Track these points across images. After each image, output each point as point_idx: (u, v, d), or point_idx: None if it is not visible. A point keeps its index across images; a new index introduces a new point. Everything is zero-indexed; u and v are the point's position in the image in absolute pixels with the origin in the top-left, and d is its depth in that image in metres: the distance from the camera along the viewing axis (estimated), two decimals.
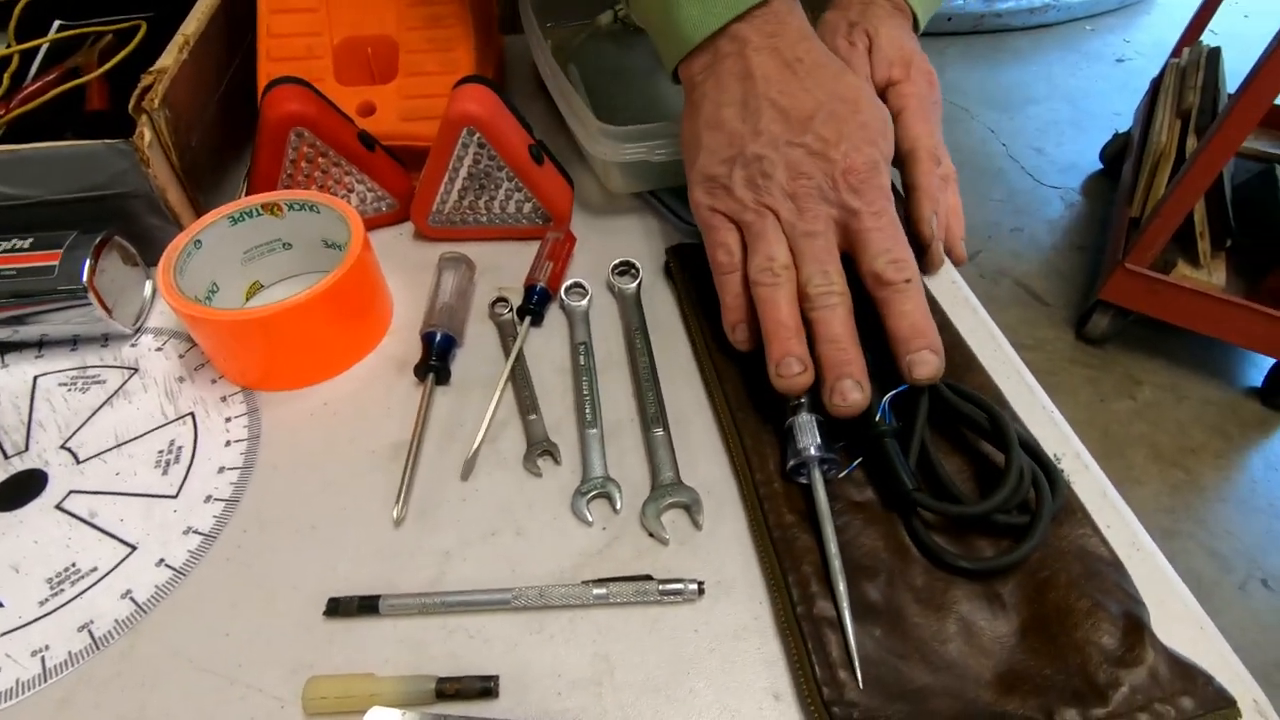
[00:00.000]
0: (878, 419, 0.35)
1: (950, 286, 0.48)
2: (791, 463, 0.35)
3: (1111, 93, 2.48)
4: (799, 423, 0.35)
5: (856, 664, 0.29)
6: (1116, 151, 2.04)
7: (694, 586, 0.33)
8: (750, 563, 0.34)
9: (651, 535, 0.35)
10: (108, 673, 0.31)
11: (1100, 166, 2.13)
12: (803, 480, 0.35)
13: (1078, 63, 2.66)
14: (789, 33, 0.40)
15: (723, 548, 0.35)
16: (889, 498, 0.35)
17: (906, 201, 0.47)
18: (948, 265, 0.49)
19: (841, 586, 0.31)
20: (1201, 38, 1.92)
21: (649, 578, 0.33)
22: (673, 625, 0.32)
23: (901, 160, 0.48)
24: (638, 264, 0.48)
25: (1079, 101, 2.45)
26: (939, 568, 0.32)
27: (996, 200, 2.06)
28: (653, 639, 0.32)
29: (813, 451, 0.34)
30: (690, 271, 0.46)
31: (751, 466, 0.36)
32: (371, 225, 0.51)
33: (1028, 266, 1.86)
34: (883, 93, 0.50)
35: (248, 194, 0.48)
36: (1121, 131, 2.05)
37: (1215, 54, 1.77)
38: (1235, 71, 1.72)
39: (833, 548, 0.32)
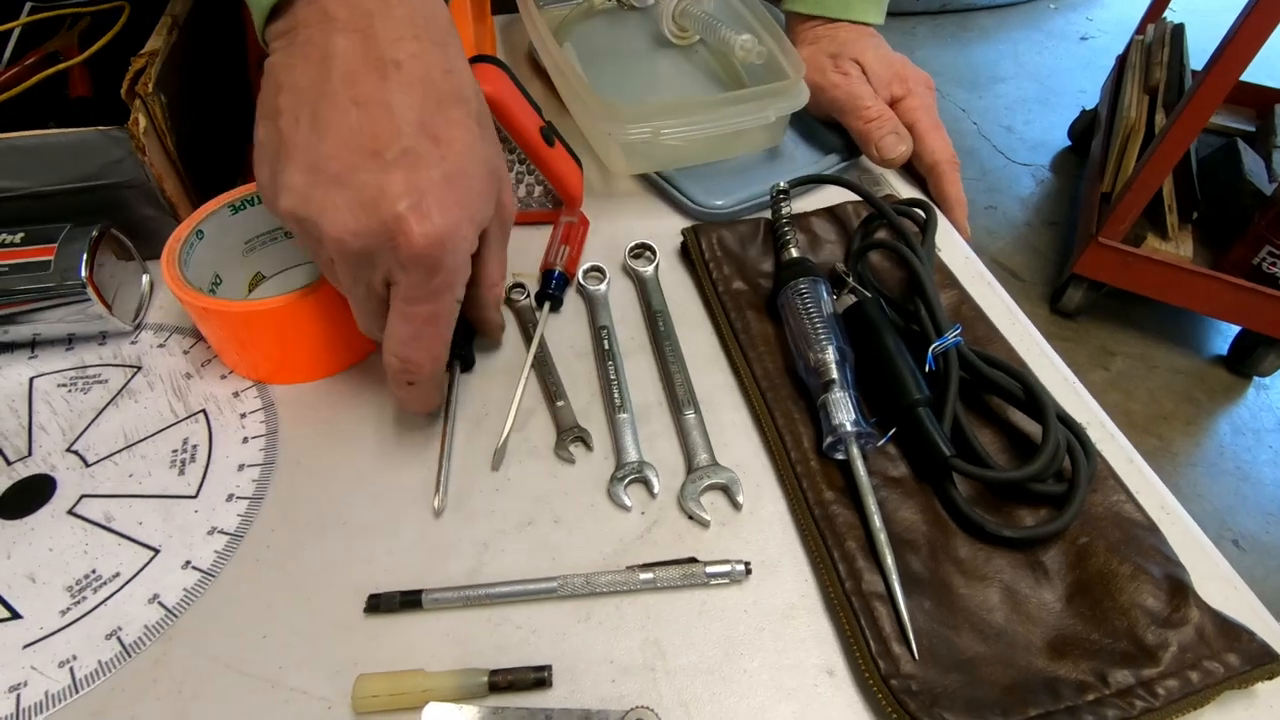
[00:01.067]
0: (914, 384, 0.35)
1: (965, 262, 0.48)
2: (829, 440, 0.35)
3: (1077, 70, 2.52)
4: (833, 399, 0.35)
5: (911, 636, 0.29)
6: (1084, 128, 2.08)
7: (741, 567, 0.33)
8: (792, 541, 0.34)
9: (691, 518, 0.35)
10: (143, 681, 0.30)
11: (1069, 143, 2.17)
12: (839, 456, 0.35)
13: (1043, 41, 2.70)
14: (394, 19, 0.29)
15: (764, 527, 0.35)
16: (925, 467, 0.35)
17: (942, 212, 0.51)
18: (960, 242, 0.50)
19: (889, 560, 0.31)
20: (1165, 14, 1.96)
21: (695, 560, 0.33)
22: (721, 607, 0.32)
23: (926, 173, 0.53)
24: (654, 245, 0.47)
25: (1045, 79, 2.49)
26: (979, 539, 0.33)
27: (970, 178, 2.09)
28: (702, 621, 0.32)
29: (849, 427, 0.34)
30: (711, 252, 0.45)
31: (786, 445, 0.36)
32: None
33: (1002, 243, 1.89)
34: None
35: (247, 181, 0.46)
36: (1088, 108, 2.09)
37: (1180, 30, 1.81)
38: (1197, 47, 1.76)
39: (877, 521, 0.32)
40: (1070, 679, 0.28)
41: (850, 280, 0.41)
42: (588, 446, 0.38)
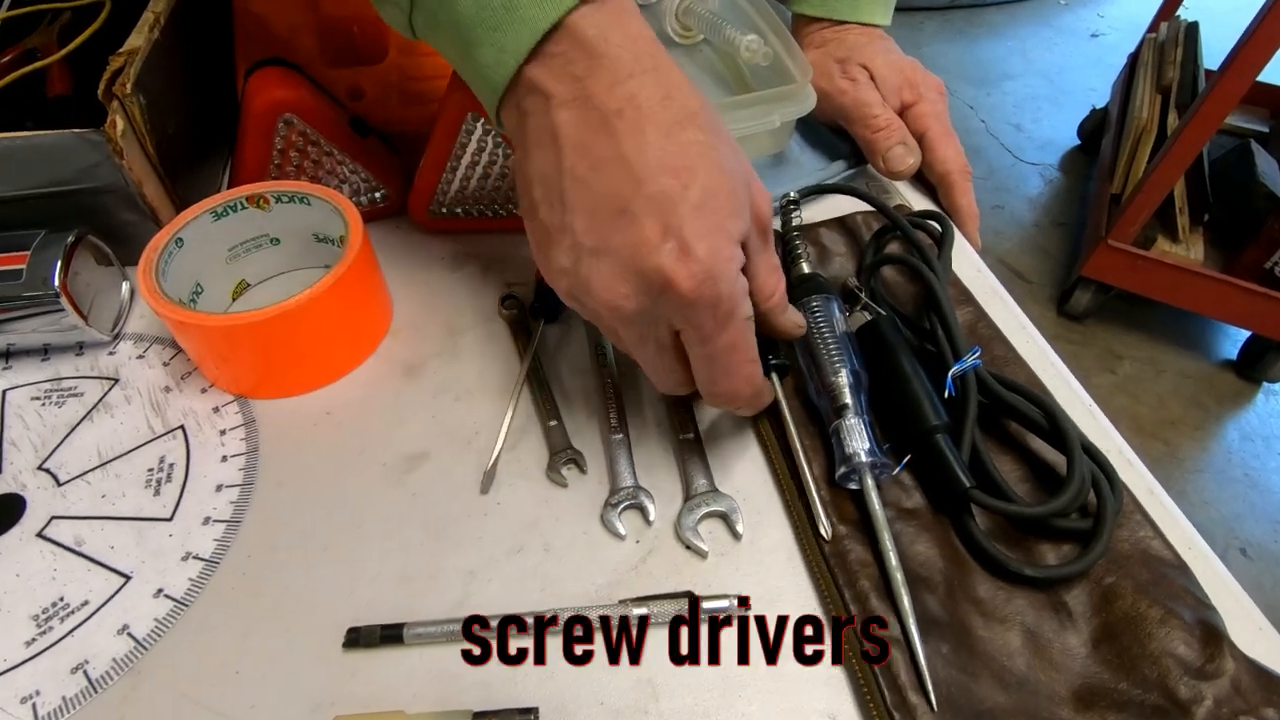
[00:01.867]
0: (932, 409, 0.33)
1: (977, 275, 0.46)
2: (841, 470, 0.33)
3: (1087, 68, 2.49)
4: (846, 426, 0.34)
5: (930, 686, 0.27)
6: (1094, 127, 2.05)
7: (736, 603, 0.31)
8: (797, 574, 0.33)
9: (689, 548, 0.33)
10: (109, 719, 0.29)
11: (1078, 142, 2.14)
12: (852, 486, 0.33)
13: (1052, 38, 2.67)
14: (603, 71, 0.28)
15: (766, 559, 0.33)
16: (942, 499, 0.33)
17: (954, 222, 0.48)
18: (971, 253, 0.48)
19: (906, 602, 0.29)
20: (1178, 12, 1.93)
21: (690, 594, 0.31)
22: (718, 644, 0.31)
23: (937, 183, 0.50)
24: None
25: (1055, 77, 2.46)
26: (998, 576, 0.31)
27: (977, 178, 2.04)
28: (699, 660, 0.30)
29: (864, 457, 0.33)
30: None
31: (796, 474, 0.34)
32: (365, 218, 0.48)
33: (1009, 244, 1.86)
34: (900, 118, 0.51)
35: (231, 186, 0.44)
36: (1098, 107, 2.06)
37: (1194, 29, 1.78)
38: (1210, 47, 1.73)
39: (894, 559, 0.30)
40: None
41: (863, 297, 0.39)
42: (581, 469, 0.36)
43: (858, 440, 0.33)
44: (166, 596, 0.32)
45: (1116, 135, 1.71)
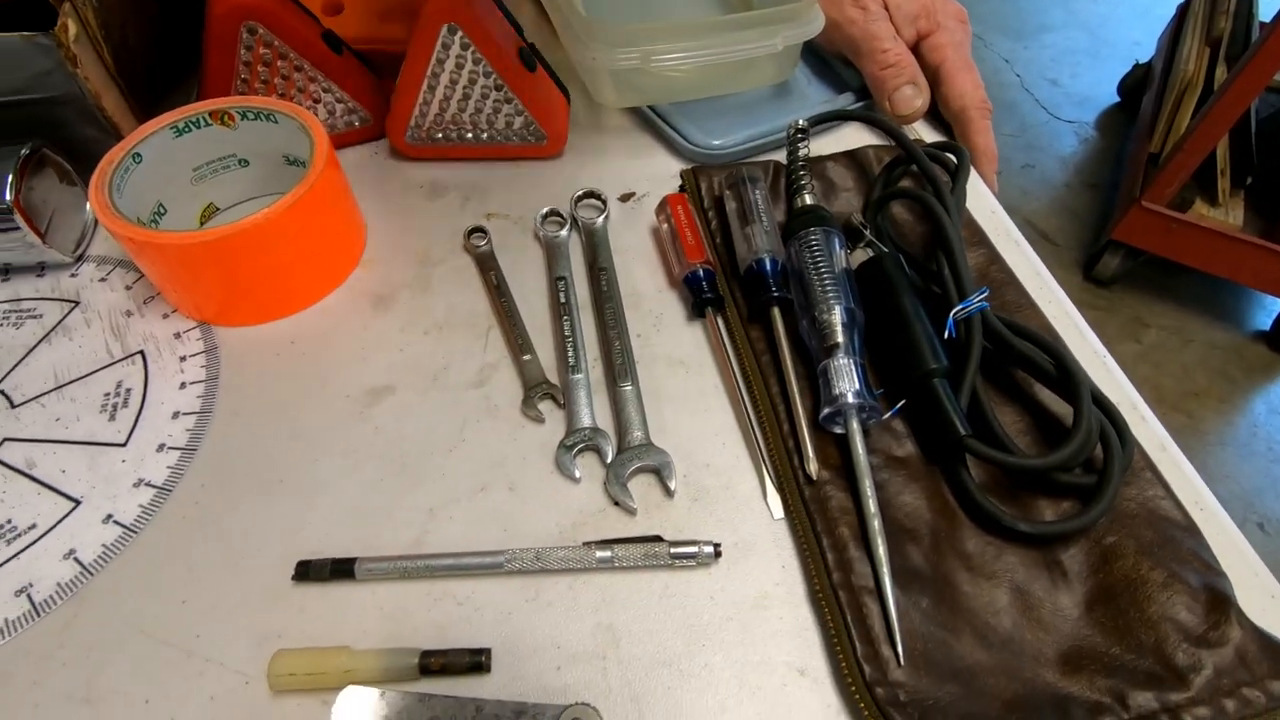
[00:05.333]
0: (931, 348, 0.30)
1: (991, 217, 0.43)
2: (826, 410, 0.31)
3: (1132, 20, 2.35)
4: (835, 366, 0.31)
5: (898, 637, 0.26)
6: (1136, 83, 1.94)
7: (709, 549, 0.29)
8: (769, 523, 0.31)
9: (617, 504, 0.31)
10: (49, 645, 0.28)
11: (1117, 99, 2.04)
12: (837, 430, 0.31)
13: None
14: None
15: (741, 506, 0.31)
16: (935, 447, 0.31)
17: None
18: (988, 194, 0.44)
19: (881, 550, 0.27)
20: None
21: (659, 539, 0.29)
22: (685, 592, 0.29)
23: (952, 120, 0.46)
24: (604, 195, 0.42)
25: (1097, 29, 2.33)
26: (990, 531, 0.29)
27: (1008, 134, 1.97)
28: (663, 607, 0.28)
29: (850, 398, 0.30)
30: (712, 196, 0.41)
31: (778, 415, 0.32)
32: (342, 143, 0.46)
33: (1037, 205, 1.79)
34: (916, 50, 0.46)
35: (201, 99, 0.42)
36: (1142, 62, 1.95)
37: None
38: None
39: (872, 506, 0.28)
40: (1083, 698, 0.24)
41: (867, 233, 0.36)
42: (558, 403, 0.34)
43: (846, 381, 0.31)
44: (116, 523, 0.31)
45: (1159, 90, 1.61)
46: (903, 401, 0.32)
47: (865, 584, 0.27)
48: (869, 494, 0.29)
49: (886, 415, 0.31)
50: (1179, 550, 0.27)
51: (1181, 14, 1.78)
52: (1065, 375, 0.30)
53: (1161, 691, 0.24)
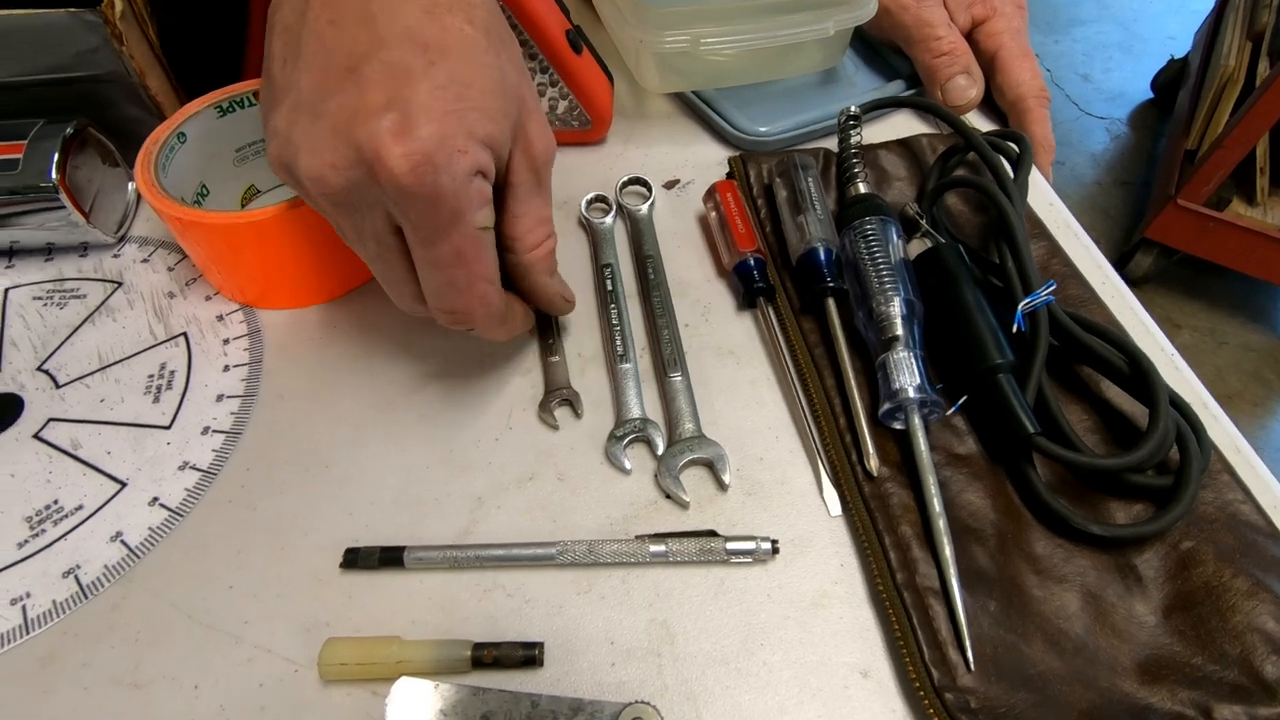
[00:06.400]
0: (996, 343, 0.29)
1: (1050, 209, 0.41)
2: (886, 406, 0.30)
3: (1167, 14, 2.30)
4: (894, 359, 0.30)
5: (967, 642, 0.25)
6: (1170, 79, 1.90)
7: (767, 546, 0.28)
8: (827, 519, 0.30)
9: (669, 497, 0.30)
10: (98, 627, 0.27)
11: (1150, 95, 1.99)
12: (897, 426, 0.30)
13: None
14: None
15: (796, 501, 0.30)
16: (1000, 446, 0.30)
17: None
18: (1045, 186, 0.43)
19: (948, 551, 0.26)
20: None
21: (714, 534, 0.29)
22: (741, 588, 0.28)
23: (1008, 109, 0.45)
24: (649, 181, 0.41)
25: (1131, 24, 2.28)
26: (1058, 533, 0.28)
27: None
28: (718, 604, 0.28)
29: (911, 393, 0.29)
30: (761, 184, 0.40)
31: (834, 409, 0.31)
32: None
33: (1067, 202, 1.73)
34: (971, 37, 0.44)
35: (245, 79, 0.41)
36: (1177, 57, 1.91)
37: None
38: None
39: (936, 504, 0.27)
40: (1164, 709, 0.23)
41: (924, 223, 0.35)
42: (575, 412, 0.33)
43: (906, 375, 0.30)
44: (162, 505, 0.31)
45: (1196, 86, 1.58)
46: (964, 397, 0.31)
47: (930, 585, 0.26)
48: (933, 492, 0.28)
49: (949, 411, 0.30)
50: (1262, 556, 0.26)
51: (1221, 8, 1.73)
52: (1140, 374, 0.28)
53: (1249, 705, 0.23)
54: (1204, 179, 1.34)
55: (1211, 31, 1.70)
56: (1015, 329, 0.30)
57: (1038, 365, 0.30)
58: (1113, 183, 1.81)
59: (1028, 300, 0.30)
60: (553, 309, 0.32)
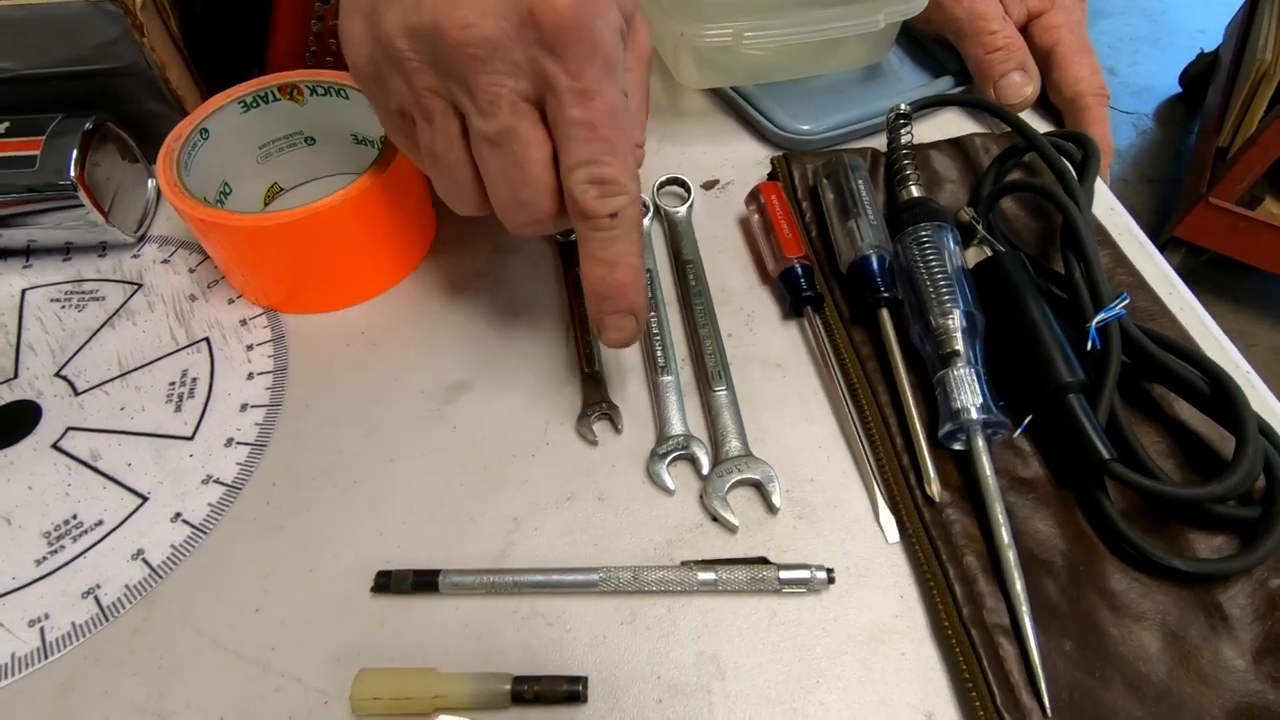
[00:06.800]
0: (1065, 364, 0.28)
1: (1110, 214, 0.39)
2: (947, 427, 0.28)
3: (1196, 6, 2.25)
4: (955, 376, 0.28)
5: (1043, 685, 0.23)
6: (1200, 73, 1.86)
7: (823, 575, 0.27)
8: (884, 546, 0.28)
9: (715, 519, 0.29)
10: (119, 651, 0.26)
11: (1179, 90, 1.95)
12: (956, 447, 0.29)
13: None
14: None
15: (850, 526, 0.29)
16: (1070, 471, 0.28)
17: None
18: (1104, 189, 0.41)
19: (1019, 586, 0.25)
20: None
21: (766, 561, 0.27)
22: (794, 620, 0.27)
23: (1065, 108, 0.43)
24: (688, 181, 0.40)
25: (1159, 16, 2.23)
26: (1134, 565, 0.26)
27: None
28: (770, 637, 0.26)
29: (974, 414, 0.27)
30: (805, 185, 0.38)
31: (889, 428, 0.29)
32: None
33: None
34: (1026, 31, 0.43)
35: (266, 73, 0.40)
36: (1207, 51, 1.86)
37: None
38: None
39: (1005, 534, 0.26)
40: None
41: (980, 229, 0.33)
42: (615, 427, 0.32)
43: (968, 394, 0.28)
44: (185, 522, 0.29)
45: (1229, 81, 1.54)
46: (1029, 417, 0.29)
47: (999, 621, 0.25)
48: (1001, 520, 0.26)
49: (1016, 433, 0.28)
50: None
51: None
52: (1225, 397, 0.27)
53: None
54: (1237, 177, 1.31)
55: (1245, 24, 1.65)
56: (1090, 347, 0.28)
57: (1109, 385, 0.28)
58: (1138, 179, 1.77)
59: (1104, 313, 0.28)
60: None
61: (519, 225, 0.27)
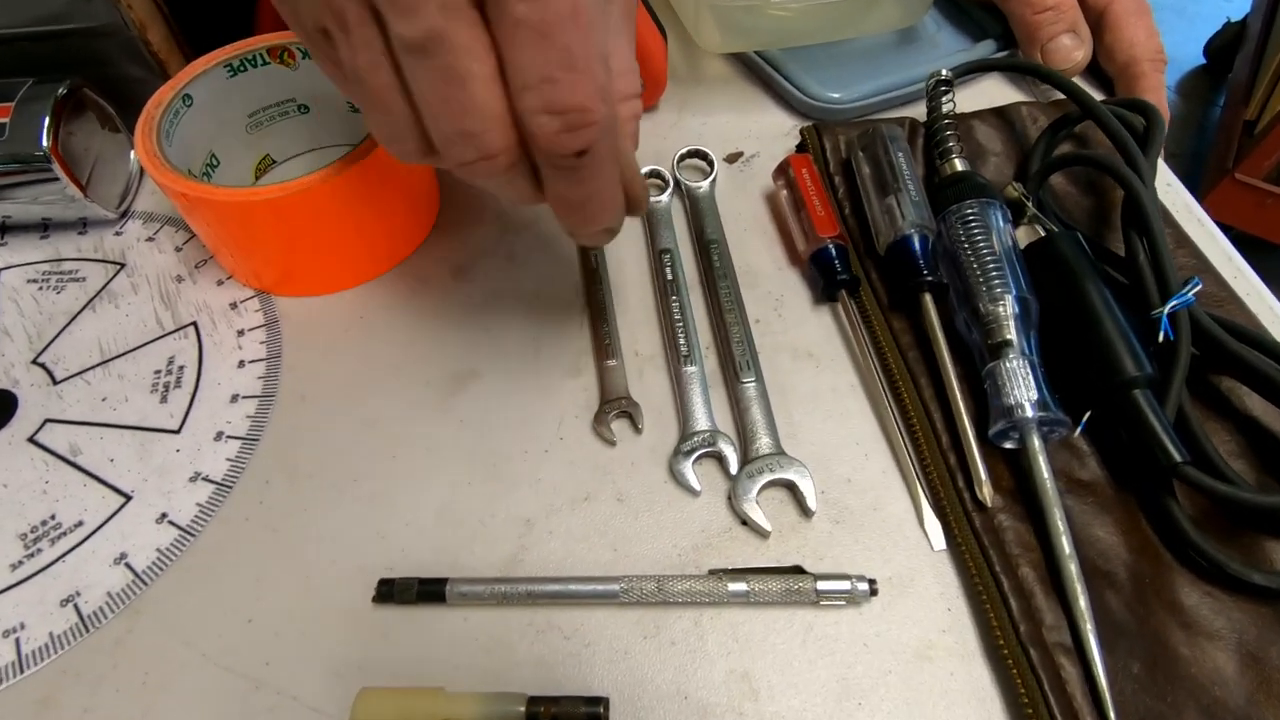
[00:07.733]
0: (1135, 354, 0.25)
1: (1167, 191, 0.36)
2: (999, 425, 0.25)
3: None
4: (1007, 369, 0.26)
5: (1111, 712, 0.21)
6: (1225, 44, 1.80)
7: (864, 586, 0.24)
8: (929, 554, 0.26)
9: (745, 524, 0.27)
10: (100, 666, 0.24)
11: (1203, 61, 1.89)
12: (1007, 445, 0.26)
13: None
14: None
15: (892, 532, 0.26)
16: (1135, 473, 0.26)
17: None
18: (1160, 163, 0.38)
19: (1083, 602, 0.22)
20: None
21: (801, 570, 0.25)
22: (833, 635, 0.24)
23: (1118, 74, 0.39)
24: (710, 154, 0.37)
25: None
26: (1206, 578, 0.24)
27: None
28: (807, 654, 0.24)
29: (1029, 410, 0.25)
30: (838, 158, 0.35)
31: (934, 425, 0.27)
32: None
33: None
34: None
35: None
36: (1234, 20, 1.80)
37: None
38: None
39: (1066, 544, 0.23)
40: None
41: (1030, 206, 0.30)
42: (635, 427, 0.29)
43: (1022, 388, 0.25)
44: (171, 523, 0.27)
45: (1257, 52, 1.48)
46: (1089, 413, 0.26)
47: (1060, 640, 0.22)
48: (1061, 528, 0.24)
49: (1075, 432, 0.26)
50: None
51: None
52: None
53: None
54: (1265, 152, 1.26)
55: None
56: (1162, 337, 0.25)
57: (1178, 379, 0.26)
58: (1162, 154, 1.72)
59: (1175, 300, 0.25)
60: (633, 190, 0.24)
61: (469, 167, 0.20)
